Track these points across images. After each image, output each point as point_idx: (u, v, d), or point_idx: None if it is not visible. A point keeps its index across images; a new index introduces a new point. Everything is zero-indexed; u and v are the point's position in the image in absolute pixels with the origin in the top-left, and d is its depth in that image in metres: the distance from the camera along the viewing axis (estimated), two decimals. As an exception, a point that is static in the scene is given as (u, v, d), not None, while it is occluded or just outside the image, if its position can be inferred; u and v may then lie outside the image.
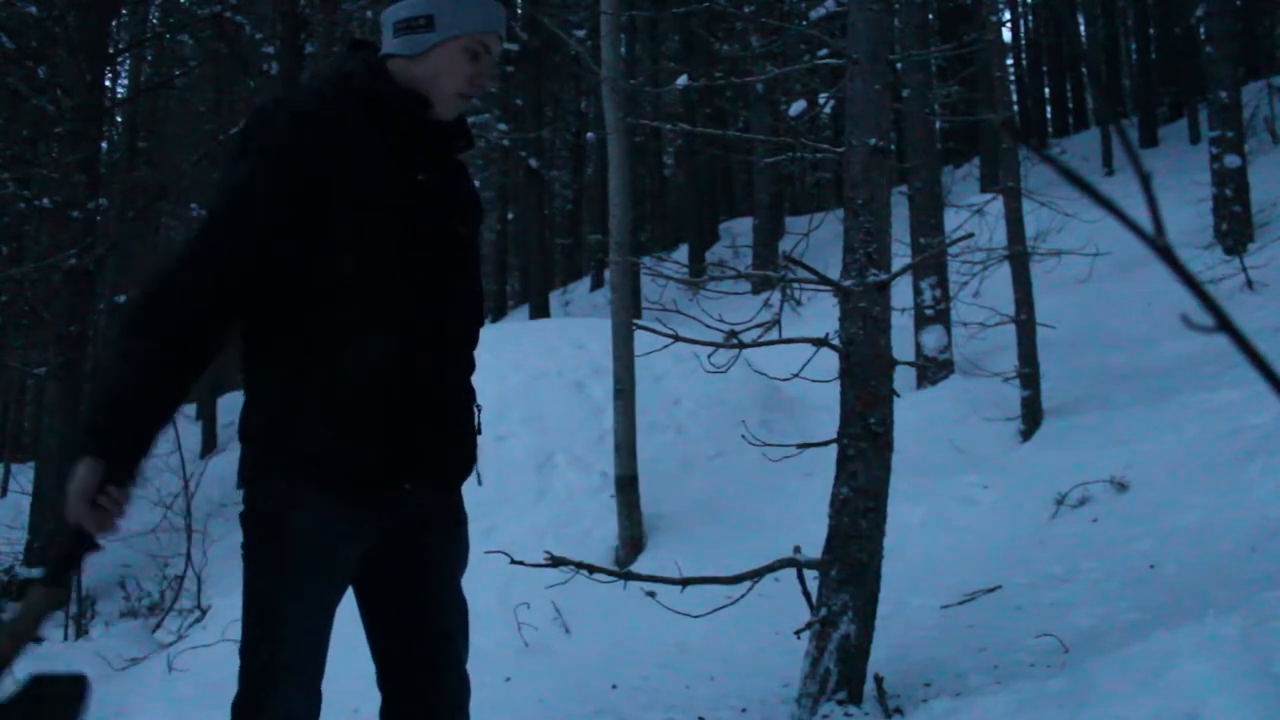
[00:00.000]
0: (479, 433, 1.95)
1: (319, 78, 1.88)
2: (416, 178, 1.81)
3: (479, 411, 1.93)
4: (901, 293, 7.43)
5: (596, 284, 19.07)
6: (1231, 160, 9.18)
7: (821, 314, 9.71)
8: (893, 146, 10.50)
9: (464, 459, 1.90)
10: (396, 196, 1.77)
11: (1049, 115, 23.14)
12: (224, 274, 1.68)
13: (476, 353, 1.98)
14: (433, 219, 1.82)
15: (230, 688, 1.78)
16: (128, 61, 15.45)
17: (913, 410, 6.20)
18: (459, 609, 1.92)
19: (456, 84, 1.82)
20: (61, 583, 1.63)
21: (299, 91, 1.85)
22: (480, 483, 1.99)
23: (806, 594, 3.33)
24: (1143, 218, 0.54)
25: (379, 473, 1.76)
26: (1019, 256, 6.37)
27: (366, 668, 1.88)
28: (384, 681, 1.89)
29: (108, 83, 11.41)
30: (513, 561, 3.35)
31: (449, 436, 1.85)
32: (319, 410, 1.72)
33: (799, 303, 11.33)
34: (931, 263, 7.56)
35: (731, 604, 3.57)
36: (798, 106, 9.74)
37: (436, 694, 1.88)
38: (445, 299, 1.84)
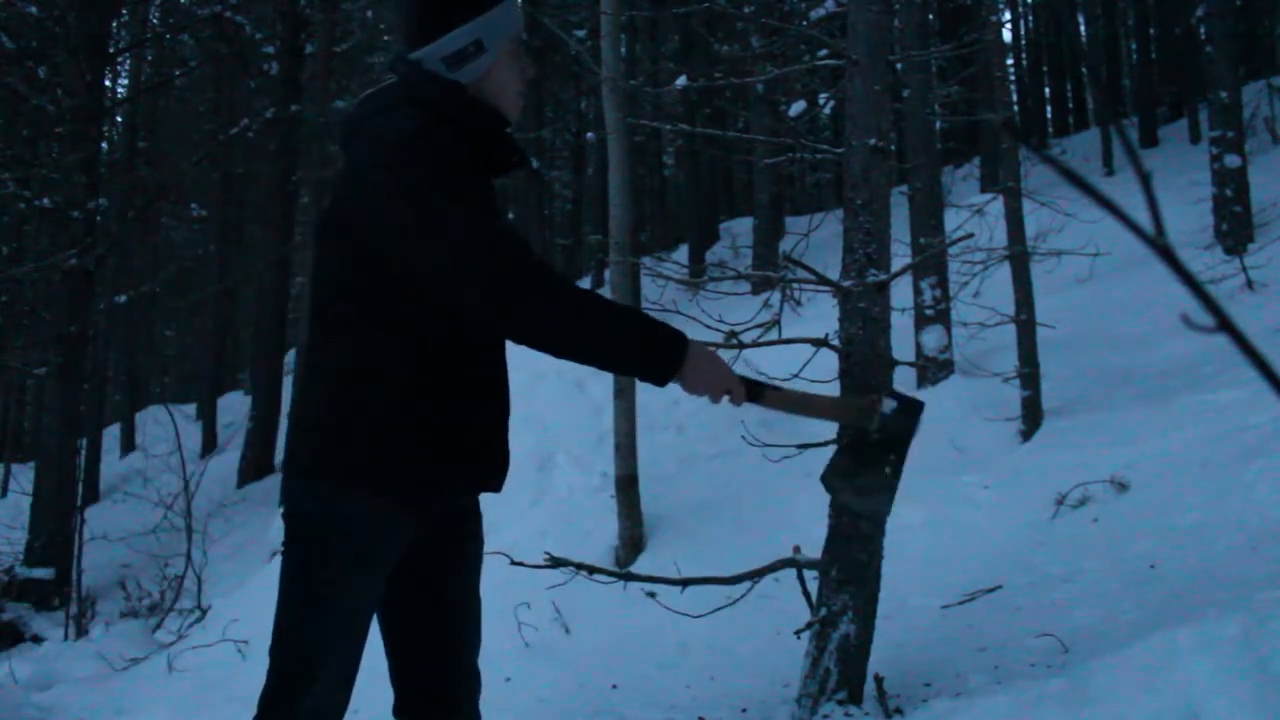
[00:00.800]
0: None
1: (401, 101, 1.82)
2: (490, 192, 1.88)
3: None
4: (901, 293, 7.42)
5: (596, 284, 19.06)
6: (1231, 160, 9.18)
7: (821, 314, 9.71)
8: (893, 146, 10.50)
9: (505, 462, 1.96)
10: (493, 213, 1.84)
11: (1049, 115, 23.14)
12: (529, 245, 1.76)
13: None
14: None
15: (231, 687, 1.78)
16: (128, 61, 15.47)
17: (913, 410, 6.20)
18: (477, 611, 1.96)
19: (518, 86, 1.90)
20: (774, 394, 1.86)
21: (420, 119, 1.77)
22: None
23: (806, 594, 3.33)
24: (1143, 218, 0.54)
25: (439, 479, 1.80)
26: (1019, 256, 6.37)
27: (366, 667, 1.88)
28: (400, 680, 1.91)
29: (108, 83, 11.40)
30: (513, 562, 3.36)
31: (503, 440, 1.92)
32: (390, 418, 1.74)
33: (799, 303, 11.33)
34: (931, 263, 7.56)
35: (731, 604, 3.58)
36: (798, 107, 9.74)
37: (456, 696, 1.91)
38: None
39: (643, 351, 1.74)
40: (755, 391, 1.83)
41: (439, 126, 1.76)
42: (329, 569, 1.76)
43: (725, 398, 1.80)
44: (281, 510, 1.81)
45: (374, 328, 1.76)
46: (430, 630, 1.90)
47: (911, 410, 2.02)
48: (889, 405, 2.00)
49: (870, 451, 2.01)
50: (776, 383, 1.90)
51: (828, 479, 2.07)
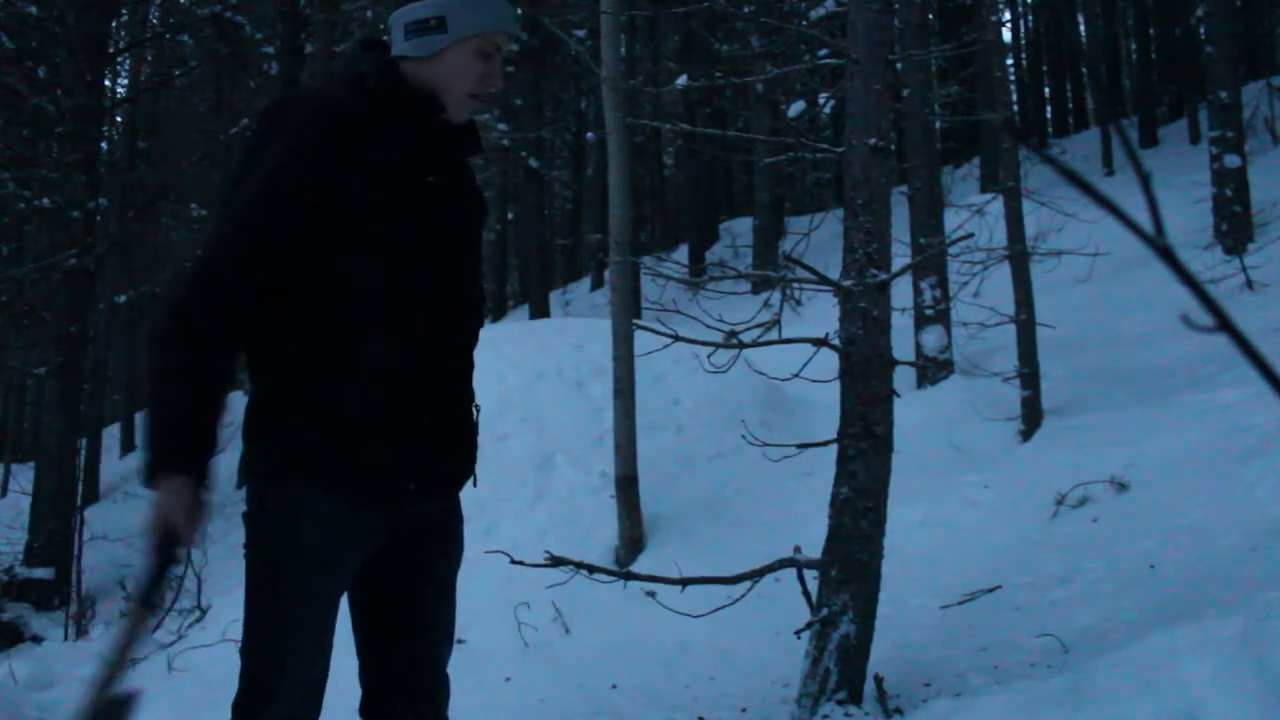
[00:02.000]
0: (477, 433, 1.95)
1: (331, 79, 1.88)
2: (427, 180, 1.81)
3: (478, 412, 1.93)
4: (901, 293, 7.42)
5: (596, 284, 19.07)
6: (1231, 160, 9.18)
7: (821, 314, 9.71)
8: (893, 146, 10.50)
9: (468, 462, 1.91)
10: (409, 199, 1.77)
11: (1049, 115, 23.13)
12: (243, 271, 1.68)
13: (475, 353, 1.99)
14: (442, 222, 1.82)
15: (230, 687, 1.78)
16: (128, 61, 15.46)
17: (913, 410, 6.20)
18: (448, 615, 1.93)
19: (468, 84, 1.82)
20: (155, 603, 1.65)
21: (312, 92, 1.85)
22: (475, 484, 1.99)
23: (806, 594, 3.33)
24: (1143, 218, 0.54)
25: (388, 478, 1.76)
26: (1019, 256, 6.37)
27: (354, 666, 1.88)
28: (366, 679, 1.89)
29: (108, 83, 11.40)
30: (513, 561, 3.35)
31: (456, 441, 1.85)
32: (330, 413, 1.72)
33: (799, 303, 11.33)
34: (931, 263, 7.56)
35: (731, 604, 3.57)
36: (797, 107, 9.75)
37: (420, 698, 1.89)
38: (453, 303, 1.84)
39: (154, 428, 1.66)
40: (150, 589, 1.62)
41: (352, 98, 1.76)
42: (287, 571, 1.73)
43: (177, 529, 1.63)
44: (242, 512, 1.78)
45: (271, 316, 1.74)
46: (396, 632, 1.87)
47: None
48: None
49: None
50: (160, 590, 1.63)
51: None
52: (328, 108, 1.74)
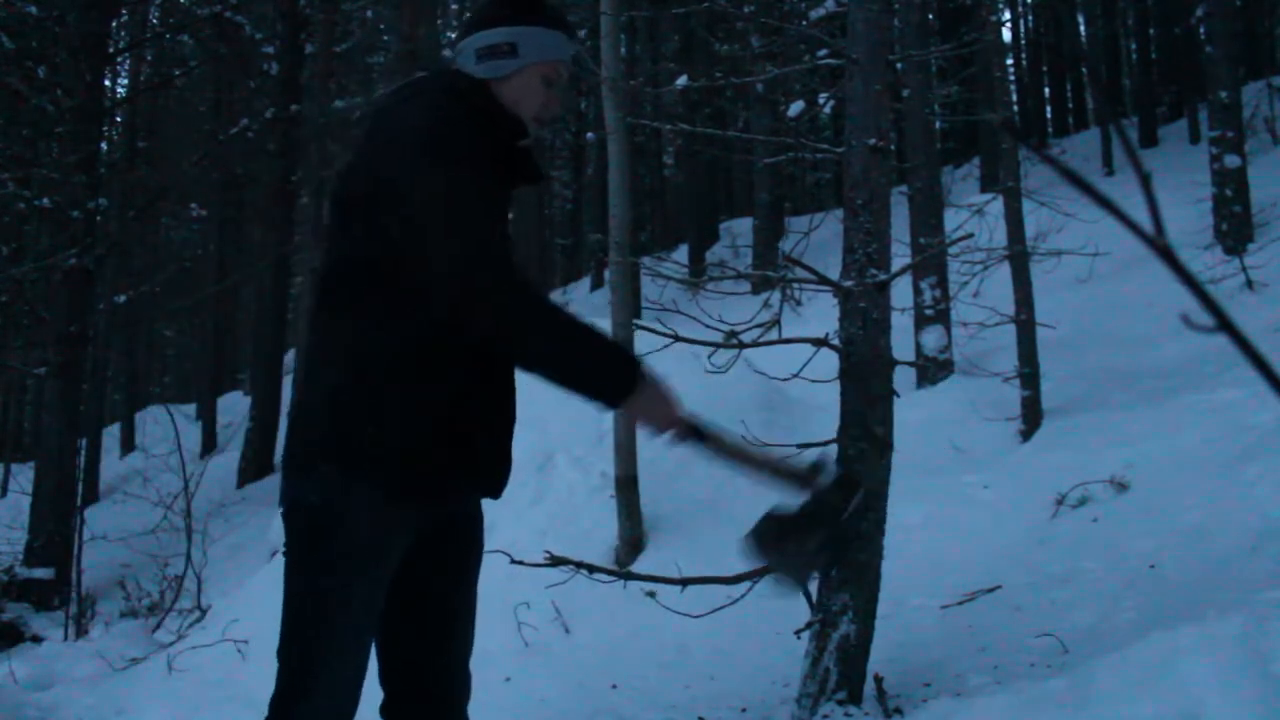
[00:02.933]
0: None
1: (424, 91, 1.86)
2: (506, 195, 1.91)
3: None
4: (901, 293, 7.42)
5: (596, 284, 19.07)
6: (1231, 160, 9.18)
7: (821, 314, 9.70)
8: (893, 146, 10.49)
9: (510, 466, 1.97)
10: (503, 209, 1.88)
11: (1049, 115, 23.13)
12: (510, 257, 1.73)
13: None
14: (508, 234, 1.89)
15: (230, 687, 1.78)
16: (128, 61, 15.46)
17: (913, 410, 6.20)
18: (470, 615, 1.95)
19: (533, 108, 1.90)
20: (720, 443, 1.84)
21: (434, 102, 1.81)
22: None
23: (807, 594, 3.33)
24: (1143, 218, 0.54)
25: (444, 479, 1.79)
26: (1019, 256, 6.37)
27: (372, 667, 1.88)
28: (387, 678, 1.89)
29: (108, 83, 11.40)
30: (513, 561, 3.35)
31: (508, 444, 1.92)
32: (399, 410, 1.73)
33: (799, 303, 11.33)
34: (931, 263, 7.56)
35: (731, 604, 3.57)
36: (796, 107, 9.74)
37: (442, 698, 1.89)
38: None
39: (597, 368, 1.74)
40: (698, 434, 1.81)
41: (464, 116, 1.79)
42: (333, 566, 1.73)
43: (668, 434, 1.80)
44: (282, 509, 1.78)
45: (385, 313, 1.75)
46: (420, 630, 1.88)
47: (848, 488, 1.89)
48: (826, 477, 1.87)
49: (799, 522, 1.90)
50: (728, 436, 1.81)
51: (750, 541, 1.95)
52: (478, 125, 1.82)
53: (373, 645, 1.83)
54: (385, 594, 1.80)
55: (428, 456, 1.75)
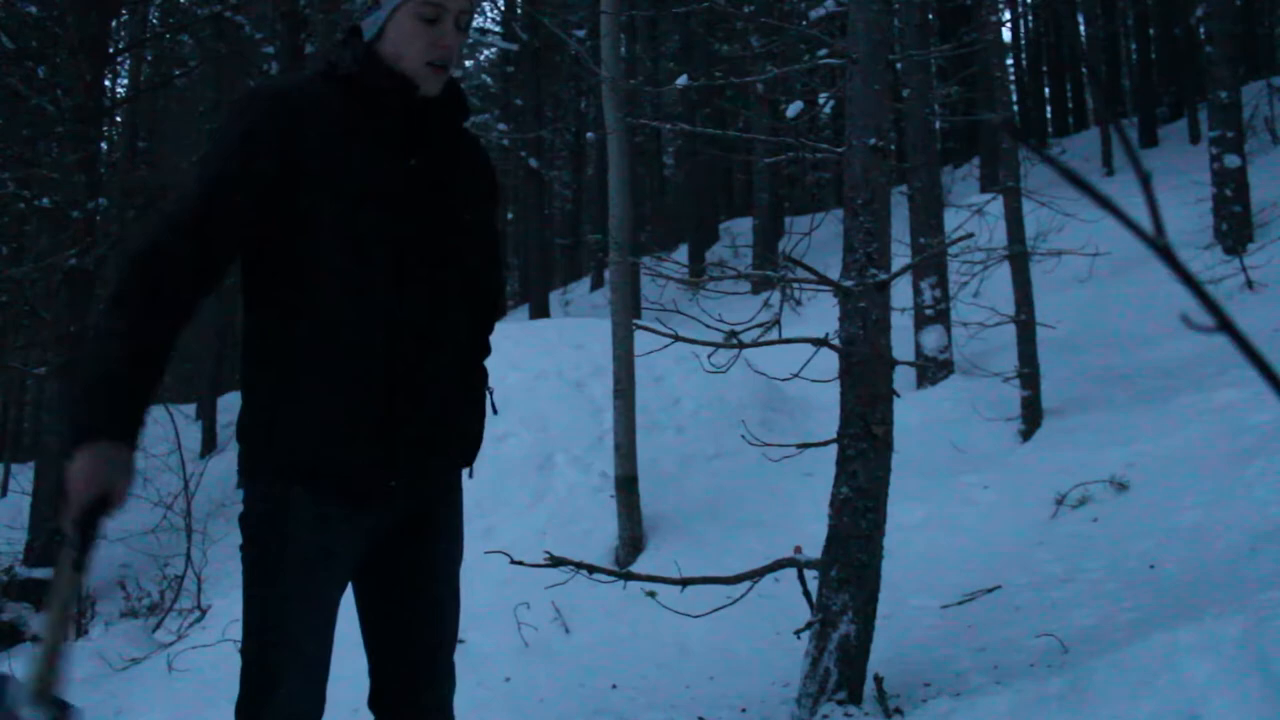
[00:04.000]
0: (494, 412, 1.92)
1: (313, 68, 1.86)
2: (408, 163, 1.76)
3: (491, 393, 1.90)
4: (901, 293, 7.43)
5: (596, 284, 19.07)
6: (1231, 160, 9.18)
7: (821, 314, 9.71)
8: (893, 146, 10.49)
9: (458, 455, 1.87)
10: (381, 184, 1.72)
11: (1049, 115, 23.13)
12: (197, 245, 1.64)
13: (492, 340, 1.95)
14: (426, 206, 1.76)
15: (230, 687, 1.77)
16: (128, 61, 15.45)
17: (913, 410, 6.21)
18: (448, 608, 1.91)
19: (418, 54, 1.74)
20: (85, 567, 1.59)
21: (287, 78, 1.83)
22: (470, 475, 1.96)
23: (807, 594, 3.33)
24: (1143, 218, 0.54)
25: (366, 474, 1.73)
26: (1019, 256, 6.37)
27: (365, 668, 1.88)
28: (373, 671, 1.89)
29: (108, 83, 11.40)
30: (513, 561, 3.35)
31: (441, 433, 1.80)
32: (305, 408, 1.69)
33: (799, 303, 11.34)
34: (931, 263, 7.56)
35: (731, 604, 3.57)
36: (795, 108, 9.74)
37: (423, 687, 1.88)
38: (438, 290, 1.77)
39: (78, 392, 1.62)
40: (82, 542, 1.55)
41: (324, 85, 1.74)
42: (278, 570, 1.71)
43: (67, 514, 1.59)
44: (239, 514, 1.78)
45: (250, 309, 1.75)
46: (399, 621, 1.86)
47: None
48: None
49: None
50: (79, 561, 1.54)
51: None
52: (282, 91, 1.73)
53: (331, 642, 1.79)
54: (342, 590, 1.78)
55: (346, 456, 1.71)
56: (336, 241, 1.69)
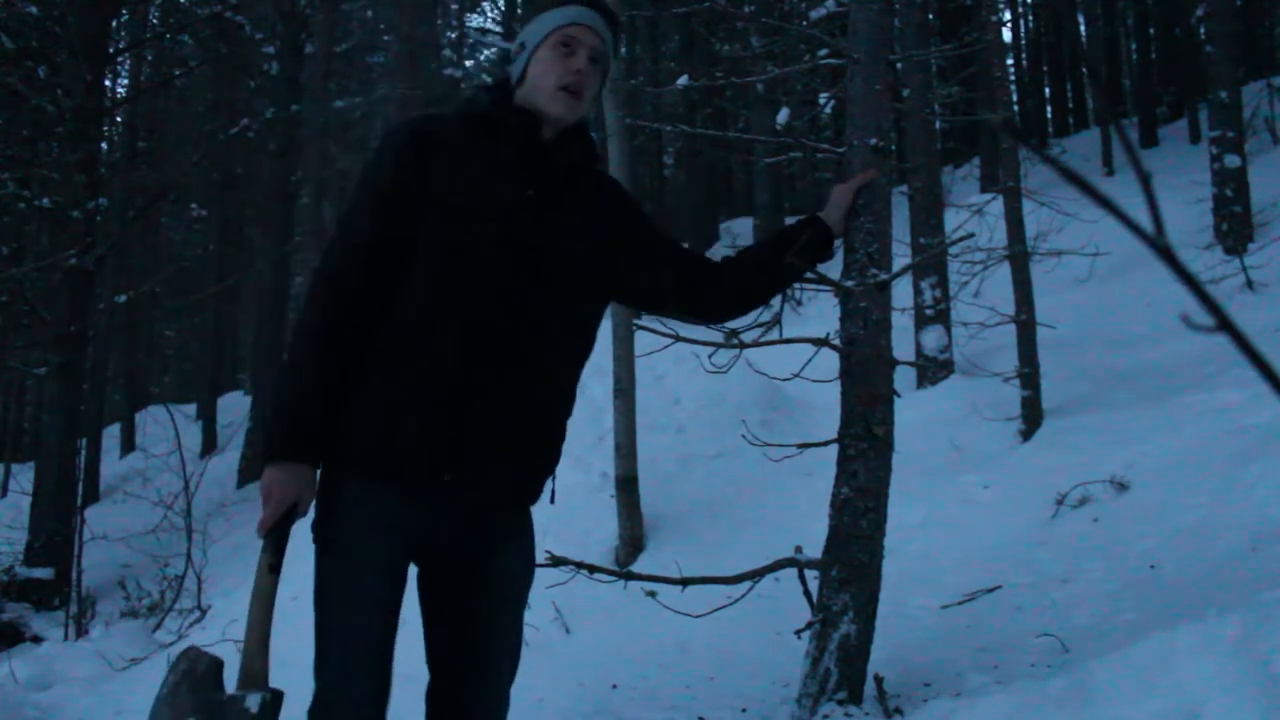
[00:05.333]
0: (551, 502, 2.03)
1: (453, 108, 2.05)
2: (526, 193, 1.88)
3: (556, 430, 2.00)
4: (902, 293, 7.42)
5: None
6: (1231, 160, 9.18)
7: (822, 314, 9.71)
8: (893, 147, 10.49)
9: (527, 475, 1.94)
10: (493, 207, 1.84)
11: (1049, 115, 23.13)
12: (347, 274, 1.82)
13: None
14: (535, 233, 1.87)
15: (230, 687, 1.79)
16: (128, 61, 15.45)
17: (913, 410, 6.20)
18: (506, 630, 1.96)
19: (552, 80, 1.90)
20: (279, 568, 1.80)
21: (426, 114, 2.01)
22: (553, 501, 2.08)
23: (807, 594, 3.33)
24: (1143, 218, 0.54)
25: (411, 460, 1.80)
26: (1019, 256, 6.37)
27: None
28: (430, 674, 1.95)
29: (108, 83, 11.39)
30: (513, 561, 3.35)
31: (506, 444, 1.86)
32: (372, 404, 1.80)
33: (799, 303, 11.34)
34: (932, 263, 7.56)
35: (731, 604, 3.57)
36: (784, 114, 9.73)
37: (467, 711, 1.94)
38: (530, 312, 1.85)
39: (276, 410, 1.82)
40: (274, 546, 1.79)
41: (459, 120, 1.92)
42: (323, 563, 1.83)
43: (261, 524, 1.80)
44: None
45: (368, 328, 1.90)
46: (440, 642, 1.93)
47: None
48: (254, 701, 1.71)
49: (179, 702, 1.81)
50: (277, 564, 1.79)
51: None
52: (412, 125, 1.91)
53: (374, 638, 1.84)
54: (389, 577, 1.83)
55: (395, 440, 1.80)
56: (441, 253, 1.82)
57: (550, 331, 1.90)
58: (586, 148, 1.97)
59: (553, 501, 2.04)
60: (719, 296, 2.23)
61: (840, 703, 3.06)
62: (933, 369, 7.40)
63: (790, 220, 16.77)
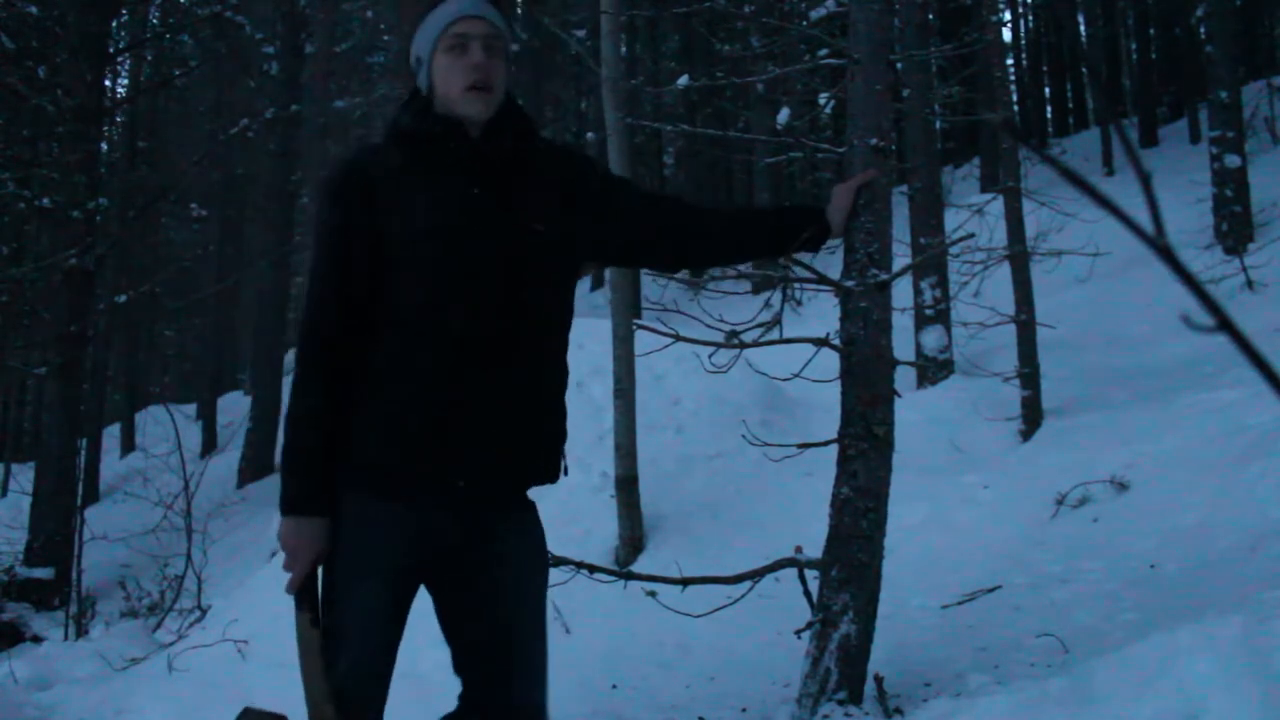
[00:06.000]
0: (564, 473, 2.03)
1: (380, 136, 2.07)
2: (472, 192, 1.88)
3: (556, 421, 1.99)
4: (902, 293, 7.40)
5: (596, 284, 19.06)
6: (1231, 160, 9.18)
7: (822, 314, 9.70)
8: (893, 147, 10.48)
9: (525, 474, 1.95)
10: (444, 219, 1.86)
11: (1049, 115, 23.12)
12: (328, 319, 1.86)
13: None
14: (493, 230, 1.87)
15: (230, 687, 1.81)
16: (128, 61, 15.45)
17: (913, 410, 6.20)
18: (526, 636, 1.93)
19: (456, 82, 1.89)
20: (319, 622, 1.84)
21: (356, 148, 2.08)
22: (566, 473, 2.10)
23: (807, 594, 3.33)
24: (1143, 218, 0.54)
25: (409, 470, 1.83)
26: (1019, 256, 6.37)
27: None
28: (462, 683, 1.96)
29: (108, 83, 11.40)
30: (513, 561, 3.35)
31: (507, 442, 1.88)
32: (370, 423, 1.83)
33: (799, 303, 11.34)
34: (932, 263, 7.56)
35: (731, 604, 3.57)
36: (784, 115, 9.73)
37: (493, 712, 1.92)
38: (513, 311, 1.86)
39: (284, 465, 1.88)
40: (309, 601, 1.85)
41: (386, 144, 1.95)
42: (331, 574, 1.86)
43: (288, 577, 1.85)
44: None
45: (355, 358, 1.95)
46: (460, 645, 1.93)
47: None
48: None
49: None
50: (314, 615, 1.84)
51: None
52: (346, 165, 1.94)
53: (380, 648, 1.87)
54: (393, 585, 1.86)
55: (395, 452, 1.83)
56: (413, 275, 1.84)
57: (533, 318, 1.91)
58: (519, 124, 1.96)
59: (566, 473, 2.06)
60: (704, 251, 2.31)
61: (840, 703, 3.06)
62: (933, 369, 7.40)
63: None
